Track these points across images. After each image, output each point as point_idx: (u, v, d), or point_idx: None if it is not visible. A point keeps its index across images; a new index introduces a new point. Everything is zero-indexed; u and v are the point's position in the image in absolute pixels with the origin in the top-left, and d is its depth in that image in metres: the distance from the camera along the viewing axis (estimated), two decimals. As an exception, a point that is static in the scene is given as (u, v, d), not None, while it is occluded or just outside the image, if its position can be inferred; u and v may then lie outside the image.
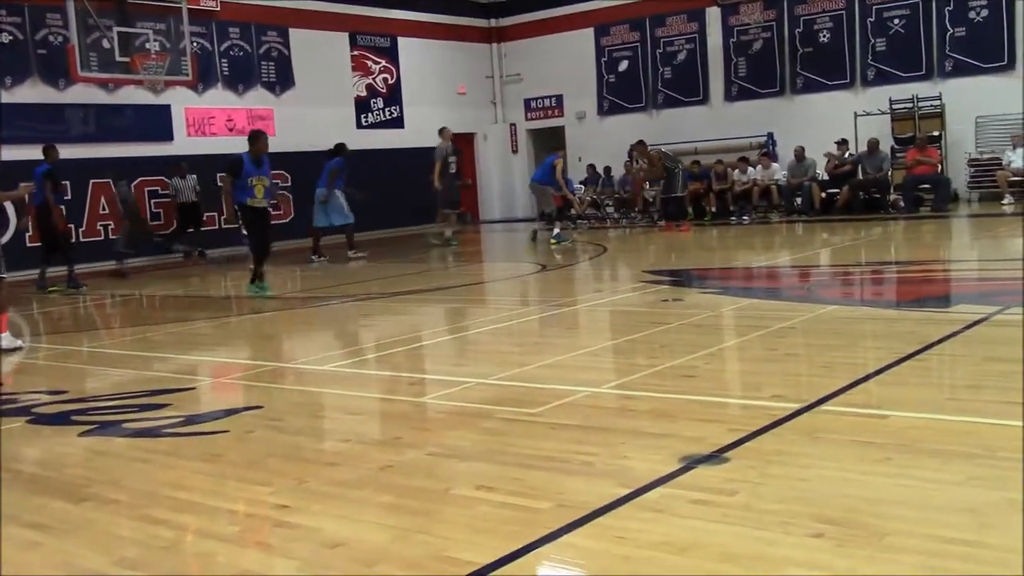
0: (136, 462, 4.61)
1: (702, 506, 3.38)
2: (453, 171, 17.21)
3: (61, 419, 5.63)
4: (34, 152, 13.48)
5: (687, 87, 22.04)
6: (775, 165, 19.36)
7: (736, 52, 21.35)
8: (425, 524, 3.44)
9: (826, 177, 18.59)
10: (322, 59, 21.04)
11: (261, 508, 3.81)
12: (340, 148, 16.09)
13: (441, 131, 17.37)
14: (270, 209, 11.07)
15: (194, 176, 18.07)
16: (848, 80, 20.04)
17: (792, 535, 3.05)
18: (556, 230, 16.47)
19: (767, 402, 4.81)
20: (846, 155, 18.42)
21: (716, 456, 3.92)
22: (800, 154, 18.74)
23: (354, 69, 21.93)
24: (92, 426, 5.36)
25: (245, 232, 10.75)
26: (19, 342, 8.25)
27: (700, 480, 3.67)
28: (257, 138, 11.06)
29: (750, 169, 19.39)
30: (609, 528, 3.27)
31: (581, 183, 21.77)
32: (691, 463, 3.85)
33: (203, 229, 18.38)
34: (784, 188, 18.92)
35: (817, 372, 5.58)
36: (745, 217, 18.86)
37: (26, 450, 5.04)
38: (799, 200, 18.72)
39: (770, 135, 20.49)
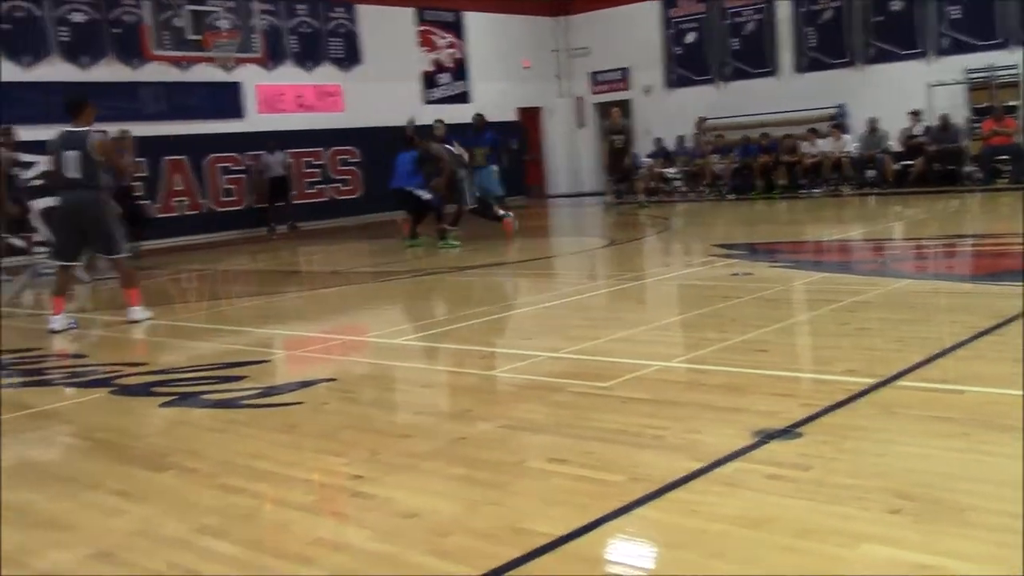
0: (215, 432, 4.72)
1: (776, 481, 3.36)
2: (620, 146, 18.60)
3: (142, 390, 5.78)
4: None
5: (756, 59, 21.69)
6: (846, 137, 19.01)
7: (806, 22, 20.95)
8: (498, 496, 3.47)
9: (900, 149, 18.22)
10: (389, 35, 21.12)
11: (336, 478, 3.88)
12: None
13: (609, 111, 19.44)
14: None
15: (283, 152, 18.53)
16: (921, 49, 19.55)
17: (869, 511, 3.03)
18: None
19: (840, 376, 4.76)
20: (919, 126, 18.02)
21: (789, 431, 3.89)
22: (873, 125, 18.39)
23: (420, 44, 21.98)
24: (172, 397, 5.49)
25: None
26: (149, 314, 8.44)
27: (774, 455, 3.65)
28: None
29: (819, 141, 19.07)
30: (682, 502, 3.27)
31: (648, 156, 21.61)
32: (764, 438, 3.82)
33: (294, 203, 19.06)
34: (856, 160, 18.59)
35: (891, 347, 5.48)
36: (816, 190, 18.58)
37: (109, 420, 5.19)
38: (871, 172, 18.39)
39: (841, 106, 20.10)
